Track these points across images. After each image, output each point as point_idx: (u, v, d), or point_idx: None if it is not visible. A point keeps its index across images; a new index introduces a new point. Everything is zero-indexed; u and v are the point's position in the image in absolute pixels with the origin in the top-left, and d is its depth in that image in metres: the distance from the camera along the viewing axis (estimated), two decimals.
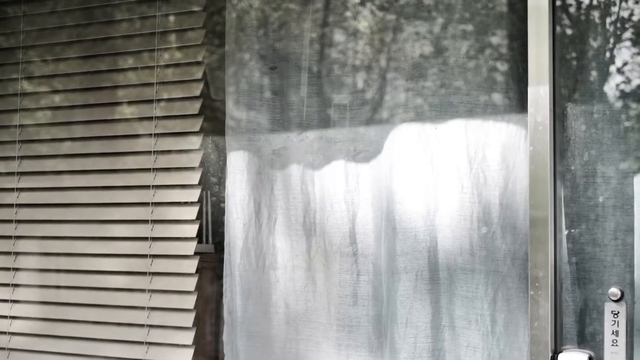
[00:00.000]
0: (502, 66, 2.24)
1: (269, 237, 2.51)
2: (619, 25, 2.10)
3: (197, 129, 2.64)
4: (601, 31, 2.12)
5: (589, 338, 2.09)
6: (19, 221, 2.93)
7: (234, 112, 2.56)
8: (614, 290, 1.99)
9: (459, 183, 2.25)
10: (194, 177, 2.64)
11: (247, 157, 2.54)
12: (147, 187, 2.71)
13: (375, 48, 2.41)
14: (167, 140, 2.69)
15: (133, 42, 2.78)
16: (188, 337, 2.60)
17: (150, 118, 2.72)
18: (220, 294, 2.61)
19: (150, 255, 2.68)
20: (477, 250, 2.23)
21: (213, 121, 2.71)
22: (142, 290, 2.69)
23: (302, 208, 2.48)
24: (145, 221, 2.70)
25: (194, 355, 2.59)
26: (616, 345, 1.99)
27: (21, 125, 2.96)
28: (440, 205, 2.27)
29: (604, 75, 2.11)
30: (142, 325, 2.67)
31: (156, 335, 2.65)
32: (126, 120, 2.77)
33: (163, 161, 2.69)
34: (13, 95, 2.98)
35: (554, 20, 2.10)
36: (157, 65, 2.72)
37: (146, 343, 2.66)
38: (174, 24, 2.72)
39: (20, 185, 2.94)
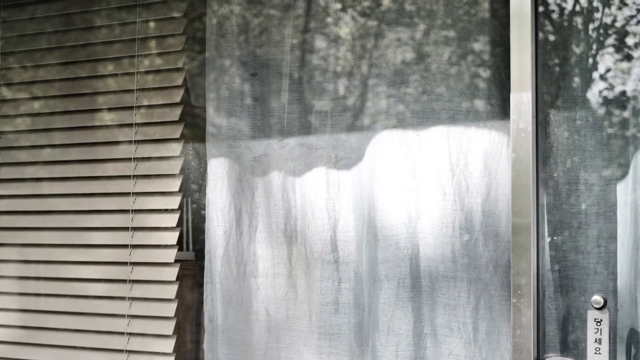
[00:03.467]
0: (485, 72, 2.23)
1: (249, 244, 2.48)
2: (601, 31, 2.10)
3: (177, 135, 2.62)
4: (584, 37, 2.11)
5: (571, 346, 2.08)
6: None
7: (215, 118, 2.53)
8: (597, 298, 1.97)
9: (441, 190, 2.23)
10: (175, 184, 2.61)
11: (228, 164, 2.52)
12: (127, 194, 2.68)
13: (356, 54, 2.39)
14: (147, 147, 2.67)
15: (113, 48, 2.76)
16: (168, 345, 2.57)
17: (130, 125, 2.70)
18: (200, 302, 2.58)
19: (130, 262, 2.66)
20: (459, 257, 2.20)
21: (193, 128, 2.68)
22: (122, 298, 2.66)
23: (283, 215, 2.45)
24: (126, 228, 2.68)
25: None
26: (599, 353, 1.97)
27: (0, 132, 2.91)
28: (422, 212, 2.25)
29: (587, 82, 2.10)
30: (122, 333, 2.65)
31: (136, 343, 2.63)
32: (106, 127, 2.75)
33: (143, 168, 2.67)
34: None
35: (537, 26, 2.09)
36: (137, 72, 2.70)
37: (126, 351, 2.63)
38: (154, 30, 2.70)
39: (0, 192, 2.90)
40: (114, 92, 2.74)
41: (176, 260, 2.58)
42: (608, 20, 2.08)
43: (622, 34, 2.07)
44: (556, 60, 2.12)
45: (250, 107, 2.51)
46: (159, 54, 2.68)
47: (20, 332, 2.81)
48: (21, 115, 2.89)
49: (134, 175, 2.67)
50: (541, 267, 2.07)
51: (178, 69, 2.64)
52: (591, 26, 2.10)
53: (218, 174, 2.52)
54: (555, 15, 2.13)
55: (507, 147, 2.16)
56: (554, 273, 2.10)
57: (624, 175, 2.05)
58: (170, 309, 2.57)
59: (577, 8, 2.12)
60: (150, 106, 2.67)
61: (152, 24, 2.69)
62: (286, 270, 2.44)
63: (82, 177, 2.76)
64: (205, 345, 2.53)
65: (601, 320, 1.97)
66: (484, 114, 2.21)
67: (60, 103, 2.83)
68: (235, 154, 2.51)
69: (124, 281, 2.65)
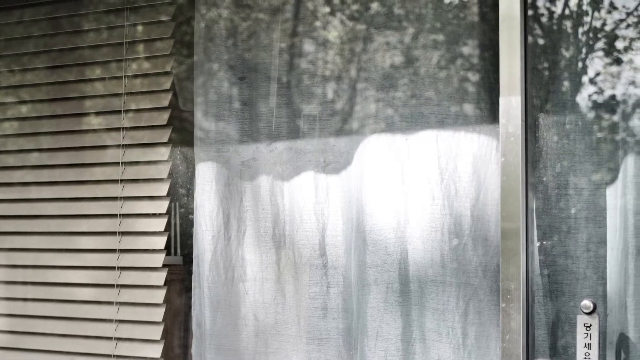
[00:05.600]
0: (474, 76, 2.21)
1: (238, 249, 2.46)
2: (591, 35, 2.08)
3: (165, 139, 2.60)
4: (573, 41, 2.10)
5: (561, 351, 2.07)
6: None
7: (203, 122, 2.51)
8: (587, 303, 1.96)
9: (429, 194, 2.21)
10: (163, 189, 2.59)
11: (216, 169, 2.49)
12: (114, 198, 2.66)
13: (345, 58, 2.37)
14: (135, 151, 2.65)
15: (101, 52, 2.73)
16: (156, 350, 2.55)
17: (118, 129, 2.67)
18: (188, 307, 2.56)
19: (118, 267, 2.63)
20: (448, 262, 2.18)
21: (181, 132, 2.66)
22: (109, 303, 2.63)
23: (272, 220, 2.43)
24: (113, 233, 2.65)
25: None
26: (588, 358, 1.96)
27: None
28: (411, 217, 2.23)
29: (576, 86, 2.09)
30: (110, 338, 2.62)
31: (124, 348, 2.60)
32: (94, 131, 2.72)
33: (131, 172, 2.64)
34: None
35: (526, 30, 2.07)
36: (125, 76, 2.68)
37: (114, 356, 2.61)
38: (142, 34, 2.67)
39: None
40: (102, 96, 2.71)
41: (164, 265, 2.56)
42: (598, 24, 2.07)
43: (612, 37, 2.05)
44: (545, 64, 2.11)
45: (239, 111, 2.48)
46: (147, 58, 2.65)
47: (8, 337, 2.78)
48: (8, 119, 2.86)
49: (121, 180, 2.64)
50: (530, 272, 2.05)
51: (166, 73, 2.61)
52: (581, 30, 2.08)
53: (206, 178, 2.49)
54: (544, 19, 2.12)
55: (496, 152, 2.15)
56: (543, 278, 2.08)
57: (613, 180, 2.03)
58: (158, 314, 2.54)
59: (567, 12, 2.10)
60: (138, 110, 2.64)
61: (140, 28, 2.67)
62: (274, 275, 2.41)
63: (69, 182, 2.74)
64: (193, 350, 2.51)
65: (591, 325, 1.95)
66: (473, 118, 2.19)
67: (47, 107, 2.80)
68: (223, 158, 2.49)
69: (111, 286, 2.62)
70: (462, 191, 2.17)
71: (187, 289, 2.58)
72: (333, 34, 2.39)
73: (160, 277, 2.55)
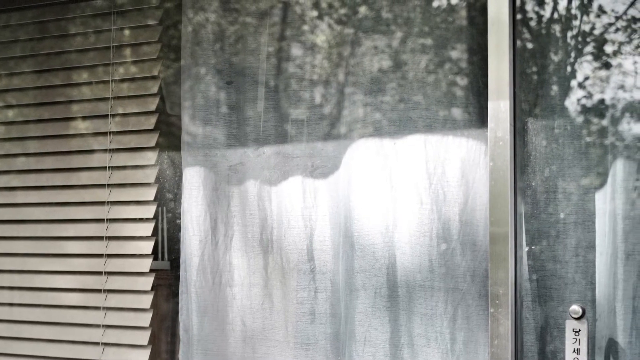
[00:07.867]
0: (462, 80, 2.18)
1: (225, 253, 2.43)
2: (580, 39, 2.06)
3: (152, 144, 2.57)
4: (562, 45, 2.08)
5: (550, 356, 2.05)
6: None
7: (190, 127, 2.48)
8: (575, 308, 1.94)
9: (418, 199, 2.18)
10: (150, 193, 2.56)
11: (204, 173, 2.46)
12: (102, 203, 2.63)
13: (333, 62, 2.35)
14: (122, 155, 2.62)
15: (88, 56, 2.70)
16: (144, 356, 2.53)
17: (105, 133, 2.64)
18: (176, 312, 2.53)
19: (105, 272, 2.60)
20: (437, 267, 2.15)
21: (169, 136, 2.63)
22: (96, 308, 2.61)
23: (259, 224, 2.40)
24: (100, 238, 2.62)
25: None
26: None
27: None
28: (399, 221, 2.20)
29: (565, 90, 2.06)
30: (97, 344, 2.60)
31: (111, 353, 2.57)
32: (81, 135, 2.69)
33: (118, 177, 2.62)
34: None
35: (515, 34, 2.06)
36: (112, 80, 2.65)
37: None
38: (129, 37, 2.64)
39: None
40: (89, 100, 2.68)
41: (151, 270, 2.53)
42: (586, 28, 2.05)
43: (601, 41, 2.03)
44: (534, 69, 2.08)
45: (226, 115, 2.45)
46: (134, 62, 2.62)
47: None
48: None
49: (108, 184, 2.61)
50: (519, 277, 2.03)
51: (153, 77, 2.59)
52: (569, 34, 2.06)
53: (193, 182, 2.46)
54: (533, 23, 2.10)
55: (485, 156, 2.12)
56: (532, 283, 2.06)
57: (602, 184, 2.01)
58: (145, 319, 2.52)
59: (556, 16, 2.08)
60: (125, 114, 2.61)
61: (127, 32, 2.64)
62: (262, 280, 2.38)
63: (56, 186, 2.71)
64: (181, 356, 2.48)
65: (579, 330, 1.93)
66: (462, 122, 2.16)
67: (34, 111, 2.77)
68: (210, 162, 2.46)
69: (98, 291, 2.60)
70: (450, 196, 2.15)
71: (175, 294, 2.55)
72: (321, 38, 2.36)
73: (147, 282, 2.53)
